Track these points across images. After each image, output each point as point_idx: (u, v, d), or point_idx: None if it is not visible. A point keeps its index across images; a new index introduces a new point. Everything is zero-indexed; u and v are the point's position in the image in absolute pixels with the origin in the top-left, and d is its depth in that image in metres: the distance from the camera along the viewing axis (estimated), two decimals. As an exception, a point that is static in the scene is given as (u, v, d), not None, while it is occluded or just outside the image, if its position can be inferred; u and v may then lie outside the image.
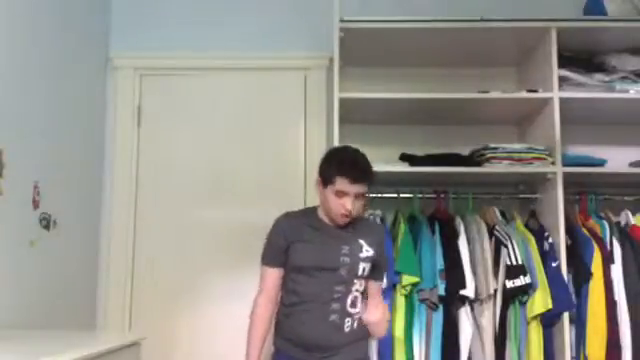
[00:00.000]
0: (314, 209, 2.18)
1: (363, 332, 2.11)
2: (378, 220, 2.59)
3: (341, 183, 2.00)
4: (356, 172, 2.01)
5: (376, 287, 2.16)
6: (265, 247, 2.16)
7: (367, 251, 2.08)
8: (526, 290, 2.40)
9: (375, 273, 2.14)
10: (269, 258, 2.14)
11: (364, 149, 2.81)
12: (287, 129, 3.06)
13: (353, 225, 2.11)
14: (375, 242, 2.11)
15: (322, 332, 2.03)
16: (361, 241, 2.08)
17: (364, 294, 2.14)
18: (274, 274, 2.13)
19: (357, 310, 2.08)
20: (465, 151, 2.71)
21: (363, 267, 2.07)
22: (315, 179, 2.12)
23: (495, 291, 2.44)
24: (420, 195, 2.71)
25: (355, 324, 2.07)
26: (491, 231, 2.53)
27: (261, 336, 2.13)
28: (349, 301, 2.05)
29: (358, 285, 2.08)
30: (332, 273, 2.04)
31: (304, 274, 2.06)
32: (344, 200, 2.01)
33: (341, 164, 2.03)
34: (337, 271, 2.04)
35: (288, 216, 2.17)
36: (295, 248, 2.08)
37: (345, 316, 2.04)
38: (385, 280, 2.27)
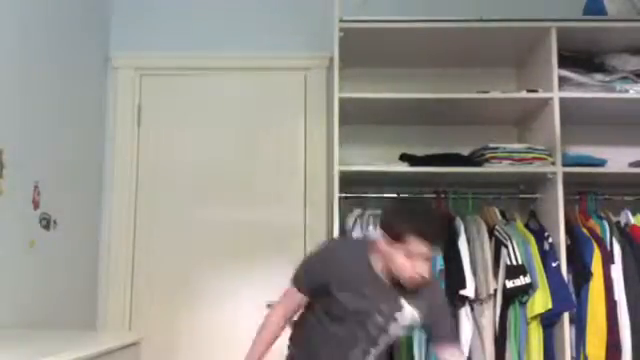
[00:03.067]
0: (368, 246, 1.89)
1: None
2: (378, 220, 2.57)
3: (417, 245, 1.74)
4: (436, 233, 1.78)
5: (452, 354, 1.91)
6: (301, 269, 1.94)
7: (413, 315, 1.87)
8: (526, 290, 2.40)
9: (440, 332, 1.93)
10: (301, 283, 1.92)
11: (364, 149, 2.85)
12: (287, 129, 3.06)
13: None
14: (427, 303, 1.88)
15: None
16: (408, 306, 1.86)
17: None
18: (300, 299, 1.93)
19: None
20: (465, 151, 2.71)
21: (396, 332, 1.89)
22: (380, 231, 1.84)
23: (495, 291, 2.44)
24: (420, 195, 2.70)
25: None
26: (491, 231, 2.53)
27: (270, 339, 1.94)
28: (372, 355, 1.89)
29: (384, 344, 1.90)
30: (361, 326, 1.86)
31: (331, 316, 1.89)
32: (418, 264, 1.76)
33: (418, 221, 1.77)
34: (366, 327, 1.86)
35: (341, 251, 1.95)
36: (334, 290, 1.84)
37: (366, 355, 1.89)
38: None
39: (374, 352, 1.90)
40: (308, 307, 1.97)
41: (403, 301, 1.85)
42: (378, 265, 1.85)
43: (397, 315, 1.86)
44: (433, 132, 2.92)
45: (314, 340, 1.94)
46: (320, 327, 1.92)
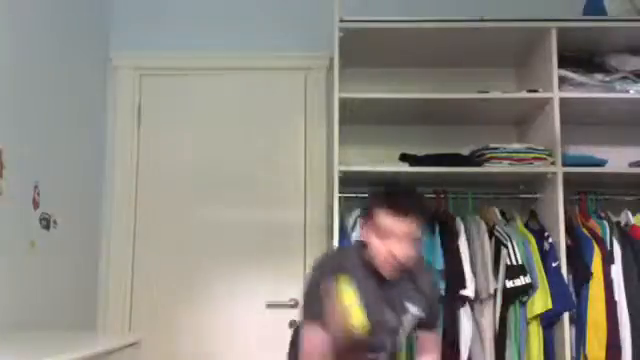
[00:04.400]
0: (361, 248, 1.78)
1: None
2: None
3: (386, 220, 1.67)
4: (408, 207, 1.67)
5: (431, 339, 1.88)
6: (309, 300, 1.77)
7: (414, 314, 1.81)
8: (526, 290, 2.40)
9: (427, 321, 1.85)
10: (319, 313, 1.70)
11: (364, 149, 2.85)
12: (287, 129, 3.06)
13: (402, 277, 1.77)
14: (426, 295, 1.82)
15: None
16: (408, 304, 1.79)
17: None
18: (324, 337, 1.71)
19: None
20: (465, 151, 2.71)
21: (406, 331, 1.84)
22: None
23: (495, 291, 2.44)
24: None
25: None
26: (491, 231, 2.53)
27: None
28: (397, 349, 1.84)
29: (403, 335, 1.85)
30: (383, 331, 1.79)
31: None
32: (391, 244, 1.67)
33: (388, 195, 1.70)
34: (387, 330, 1.79)
35: (336, 262, 1.80)
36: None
37: None
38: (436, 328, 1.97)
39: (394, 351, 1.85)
40: None
41: (407, 303, 1.79)
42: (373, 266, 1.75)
43: (403, 318, 1.81)
44: (433, 132, 2.92)
45: None
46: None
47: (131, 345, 1.99)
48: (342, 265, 1.73)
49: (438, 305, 1.95)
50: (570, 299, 2.42)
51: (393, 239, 1.67)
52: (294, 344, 1.89)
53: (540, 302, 2.39)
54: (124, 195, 3.02)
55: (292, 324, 2.88)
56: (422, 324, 1.87)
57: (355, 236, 2.54)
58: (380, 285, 1.76)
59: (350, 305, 1.59)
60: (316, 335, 1.71)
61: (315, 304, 1.71)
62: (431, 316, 1.88)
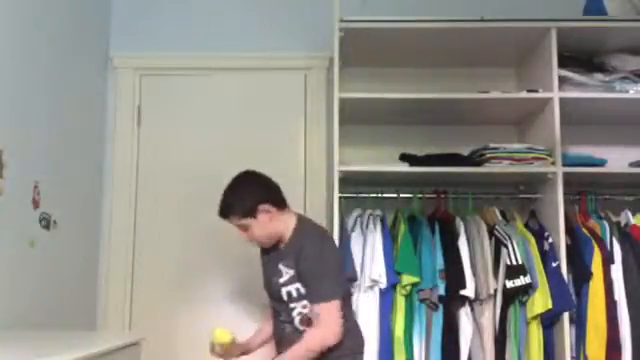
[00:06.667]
0: None
1: None
2: (378, 220, 2.58)
3: None
4: (219, 208, 2.10)
5: (313, 310, 1.96)
6: None
7: (287, 273, 2.01)
8: (526, 290, 2.40)
9: (307, 291, 1.98)
10: None
11: (364, 149, 2.86)
12: (287, 129, 3.06)
13: (282, 246, 2.09)
14: (293, 258, 1.99)
15: (283, 343, 2.07)
16: (280, 266, 2.03)
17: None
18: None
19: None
20: (465, 151, 2.71)
21: (287, 291, 2.01)
22: None
23: (495, 291, 2.44)
24: (420, 195, 2.71)
25: None
26: (491, 231, 2.53)
27: None
28: (297, 321, 2.03)
29: (300, 307, 2.01)
30: (272, 298, 2.12)
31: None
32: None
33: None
34: (273, 297, 2.11)
35: None
36: None
37: (299, 332, 2.01)
38: (318, 301, 1.95)
39: (297, 317, 2.03)
40: None
41: (280, 265, 2.04)
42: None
43: (279, 280, 2.03)
44: (433, 132, 2.92)
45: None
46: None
47: (131, 345, 1.99)
48: None
49: (314, 273, 1.96)
50: (570, 299, 2.42)
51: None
52: None
53: (540, 302, 2.39)
54: (124, 195, 3.02)
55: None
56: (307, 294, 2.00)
57: (355, 236, 2.55)
58: (268, 255, 2.14)
59: None
60: None
61: None
62: (304, 284, 1.99)
